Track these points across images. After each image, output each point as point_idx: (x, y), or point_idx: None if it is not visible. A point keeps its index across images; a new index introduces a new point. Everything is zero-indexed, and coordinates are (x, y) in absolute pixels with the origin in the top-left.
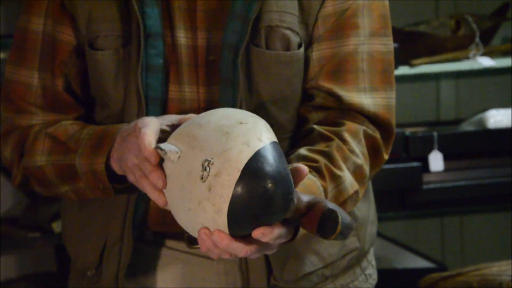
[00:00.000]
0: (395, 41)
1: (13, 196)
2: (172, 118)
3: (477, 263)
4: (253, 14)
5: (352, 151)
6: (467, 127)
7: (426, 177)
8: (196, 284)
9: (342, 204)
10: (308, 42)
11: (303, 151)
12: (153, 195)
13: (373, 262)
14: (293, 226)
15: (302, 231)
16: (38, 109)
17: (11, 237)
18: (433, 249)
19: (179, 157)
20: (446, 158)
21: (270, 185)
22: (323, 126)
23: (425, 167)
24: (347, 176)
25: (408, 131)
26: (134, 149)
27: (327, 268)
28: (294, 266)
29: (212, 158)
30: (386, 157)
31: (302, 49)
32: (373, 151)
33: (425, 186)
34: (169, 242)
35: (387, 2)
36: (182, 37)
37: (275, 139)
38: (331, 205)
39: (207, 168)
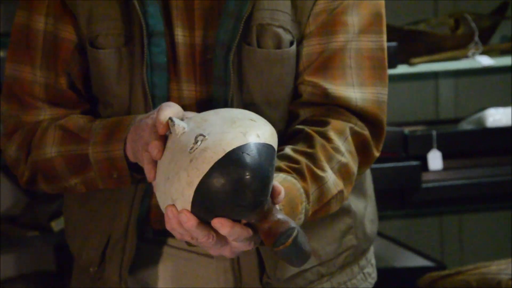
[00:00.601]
0: (394, 39)
1: (12, 195)
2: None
3: (476, 261)
4: (245, 13)
5: (336, 150)
6: (466, 126)
7: (425, 176)
8: (196, 282)
9: (326, 205)
10: (300, 40)
11: (287, 150)
12: (147, 167)
13: (373, 261)
14: (256, 237)
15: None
16: (45, 103)
17: (10, 236)
18: (432, 248)
19: (183, 133)
20: (445, 157)
21: (247, 176)
22: (308, 125)
23: (424, 166)
24: (330, 177)
25: (407, 129)
26: (148, 128)
27: (323, 266)
28: (287, 264)
29: (207, 135)
30: (376, 154)
31: (294, 47)
32: (361, 148)
33: (424, 185)
34: (169, 241)
35: (381, 1)
36: (180, 35)
37: (274, 146)
38: (297, 226)
39: (198, 142)
